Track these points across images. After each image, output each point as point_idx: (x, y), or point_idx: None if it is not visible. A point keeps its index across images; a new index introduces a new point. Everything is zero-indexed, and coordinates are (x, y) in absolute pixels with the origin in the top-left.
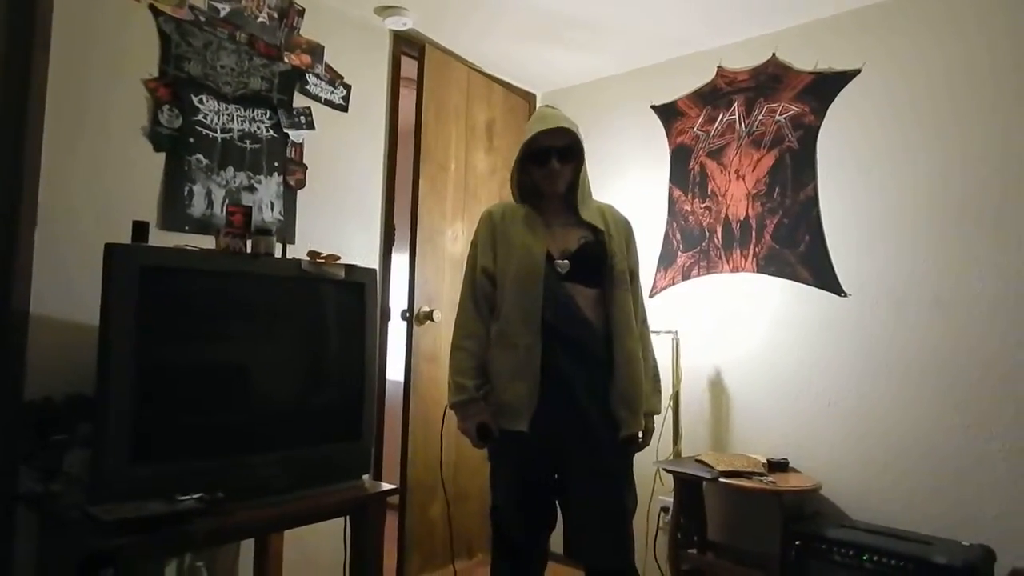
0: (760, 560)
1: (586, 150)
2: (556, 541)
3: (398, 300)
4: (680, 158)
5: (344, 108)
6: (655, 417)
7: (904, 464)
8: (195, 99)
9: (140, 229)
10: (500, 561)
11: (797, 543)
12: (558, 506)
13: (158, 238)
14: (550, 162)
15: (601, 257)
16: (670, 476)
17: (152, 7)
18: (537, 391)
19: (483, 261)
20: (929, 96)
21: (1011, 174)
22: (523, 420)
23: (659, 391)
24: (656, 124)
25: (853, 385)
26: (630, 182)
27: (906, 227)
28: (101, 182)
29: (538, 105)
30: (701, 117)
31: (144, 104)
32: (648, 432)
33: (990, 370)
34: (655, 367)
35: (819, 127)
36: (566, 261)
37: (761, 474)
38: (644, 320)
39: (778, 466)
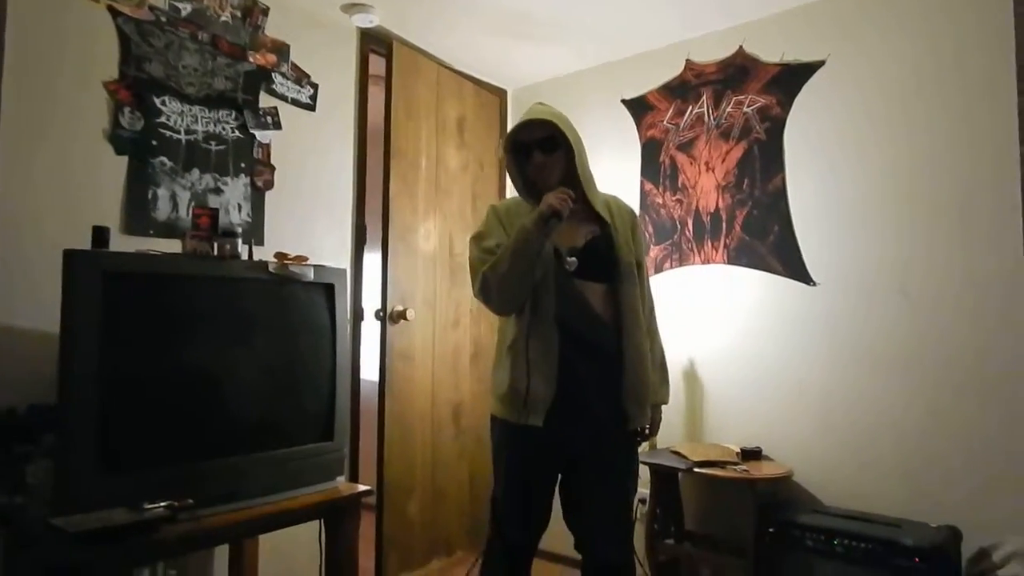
0: (735, 547)
1: None
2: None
3: (372, 299)
4: (651, 152)
5: (312, 107)
6: (663, 407)
7: (873, 449)
8: (157, 101)
9: (100, 234)
10: (495, 556)
11: (771, 530)
12: (560, 501)
13: (122, 242)
14: (533, 155)
15: (608, 252)
16: (646, 468)
17: (111, 8)
18: (554, 388)
19: (496, 240)
20: (896, 87)
21: (978, 165)
22: (539, 415)
23: (667, 381)
24: (627, 118)
25: (823, 373)
26: (602, 177)
27: (873, 217)
28: (62, 186)
29: (509, 101)
30: (670, 110)
31: (105, 106)
32: (655, 423)
33: (956, 357)
34: (662, 356)
35: (786, 118)
36: (574, 259)
37: (735, 463)
38: (651, 309)
39: (751, 455)
